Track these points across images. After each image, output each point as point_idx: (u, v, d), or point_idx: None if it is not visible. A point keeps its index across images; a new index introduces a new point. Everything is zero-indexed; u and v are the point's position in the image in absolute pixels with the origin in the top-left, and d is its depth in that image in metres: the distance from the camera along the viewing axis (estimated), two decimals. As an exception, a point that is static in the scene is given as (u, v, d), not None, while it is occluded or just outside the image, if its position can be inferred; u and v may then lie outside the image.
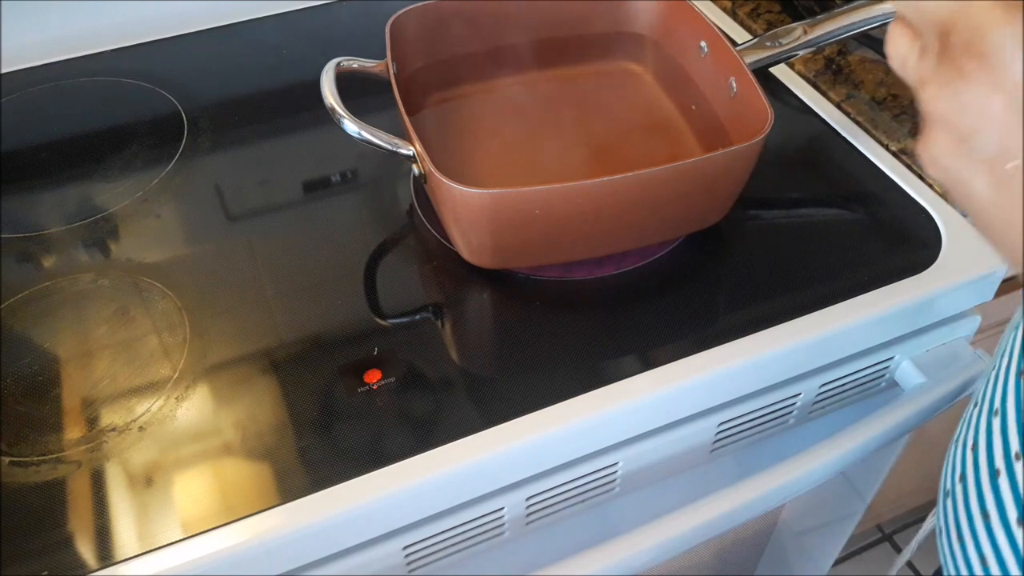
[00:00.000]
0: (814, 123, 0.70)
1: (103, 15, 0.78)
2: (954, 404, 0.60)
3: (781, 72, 0.75)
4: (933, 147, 0.27)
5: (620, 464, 0.54)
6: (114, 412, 0.49)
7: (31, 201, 0.63)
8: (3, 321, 0.54)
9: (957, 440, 0.47)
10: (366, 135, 0.52)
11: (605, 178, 0.49)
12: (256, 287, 0.56)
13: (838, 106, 0.72)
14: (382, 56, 0.58)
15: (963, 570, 0.43)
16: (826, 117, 0.70)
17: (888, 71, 0.74)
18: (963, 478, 0.44)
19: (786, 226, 0.61)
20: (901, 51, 0.28)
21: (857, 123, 0.71)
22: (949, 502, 0.45)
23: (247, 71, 0.75)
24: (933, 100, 0.26)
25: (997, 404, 0.42)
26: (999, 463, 0.41)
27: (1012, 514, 0.39)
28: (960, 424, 0.48)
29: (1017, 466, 0.39)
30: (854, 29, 0.61)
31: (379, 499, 0.45)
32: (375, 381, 0.50)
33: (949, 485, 0.46)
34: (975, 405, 0.46)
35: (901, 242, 0.59)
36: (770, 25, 0.81)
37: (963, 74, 0.25)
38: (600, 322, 0.54)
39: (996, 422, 0.42)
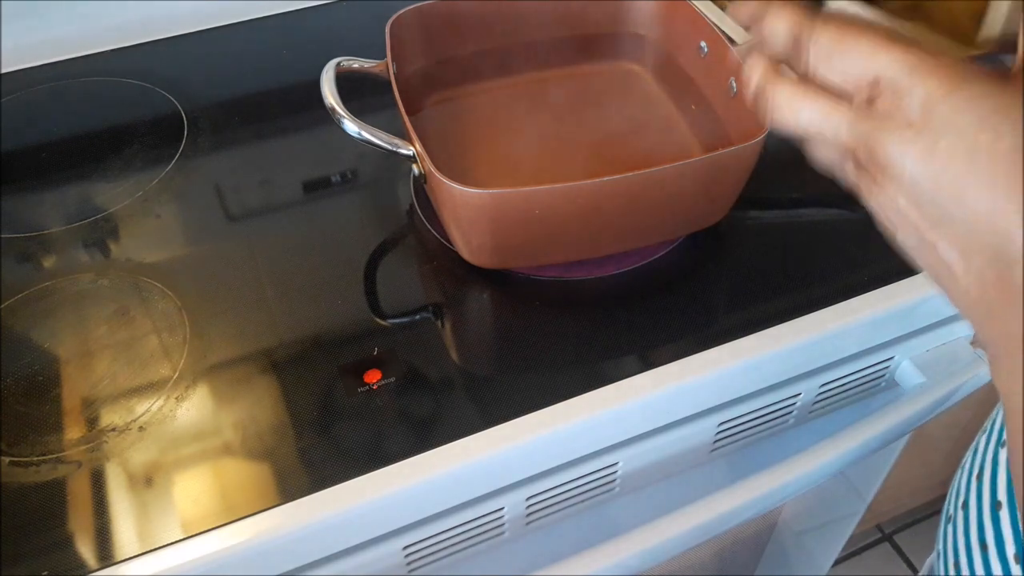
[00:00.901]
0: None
1: (103, 15, 0.78)
2: (954, 404, 0.60)
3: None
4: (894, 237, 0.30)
5: (620, 464, 0.54)
6: (114, 412, 0.49)
7: (31, 201, 0.63)
8: (3, 321, 0.54)
9: (964, 466, 0.46)
10: (366, 135, 0.52)
11: (605, 178, 0.49)
12: (256, 287, 0.56)
13: (838, 106, 0.72)
14: (382, 56, 0.58)
15: None
16: (826, 117, 0.70)
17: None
18: (965, 505, 0.44)
19: (786, 226, 0.61)
20: (827, 160, 0.31)
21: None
22: (950, 528, 0.45)
23: (247, 71, 0.75)
24: (870, 201, 0.30)
25: (1006, 435, 0.42)
26: (1001, 495, 0.40)
27: (1010, 549, 0.39)
28: (969, 450, 0.47)
29: (1020, 501, 0.39)
30: (854, 29, 0.61)
31: (379, 499, 0.45)
32: (375, 381, 0.50)
33: (951, 511, 0.45)
34: (985, 432, 0.46)
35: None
36: (770, 25, 0.81)
37: (876, 182, 0.28)
38: (600, 322, 0.54)
39: (1003, 453, 0.42)
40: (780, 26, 0.31)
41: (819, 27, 0.29)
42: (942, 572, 0.45)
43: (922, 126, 0.26)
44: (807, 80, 0.30)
